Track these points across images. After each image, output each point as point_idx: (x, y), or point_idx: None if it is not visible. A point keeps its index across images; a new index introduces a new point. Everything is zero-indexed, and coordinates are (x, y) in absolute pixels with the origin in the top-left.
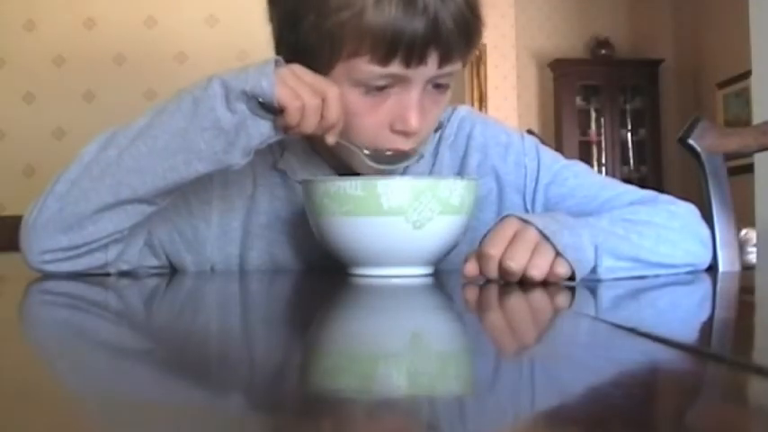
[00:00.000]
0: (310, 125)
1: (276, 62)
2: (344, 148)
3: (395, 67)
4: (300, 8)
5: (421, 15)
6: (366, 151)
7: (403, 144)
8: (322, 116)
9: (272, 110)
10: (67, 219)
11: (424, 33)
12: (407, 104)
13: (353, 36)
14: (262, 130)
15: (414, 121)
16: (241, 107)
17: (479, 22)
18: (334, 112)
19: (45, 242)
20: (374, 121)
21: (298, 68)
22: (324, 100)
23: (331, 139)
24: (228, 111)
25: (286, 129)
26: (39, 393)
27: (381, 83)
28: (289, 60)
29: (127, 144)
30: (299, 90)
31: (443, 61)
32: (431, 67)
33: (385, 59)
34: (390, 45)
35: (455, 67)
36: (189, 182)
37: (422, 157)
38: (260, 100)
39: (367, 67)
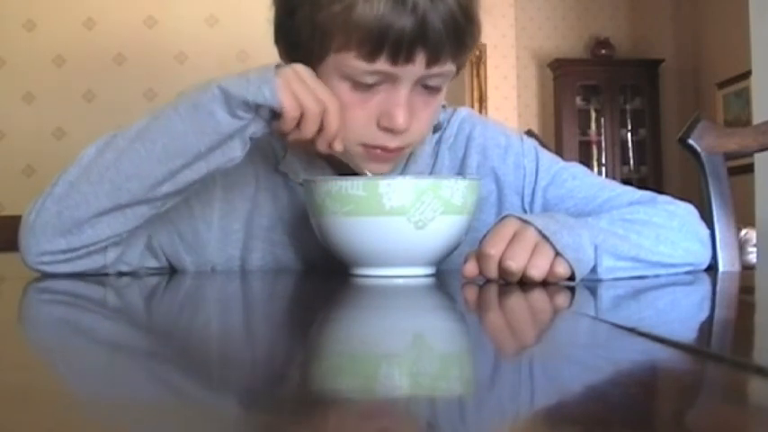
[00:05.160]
0: (309, 131)
1: (276, 66)
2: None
3: (381, 64)
4: None
5: (409, 14)
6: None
7: (390, 141)
8: (322, 126)
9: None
10: (66, 222)
11: (411, 32)
12: (395, 102)
13: (342, 30)
14: (259, 126)
15: (400, 118)
16: (243, 114)
17: (473, 26)
18: (334, 123)
19: (43, 244)
20: (362, 114)
21: (300, 69)
22: (325, 111)
23: (339, 147)
24: (229, 115)
25: (282, 133)
26: (39, 393)
27: (369, 80)
28: (285, 50)
29: (125, 147)
30: (301, 96)
31: (431, 62)
32: (419, 67)
33: (371, 56)
34: (376, 41)
35: (444, 68)
36: (190, 185)
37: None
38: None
39: (354, 63)
